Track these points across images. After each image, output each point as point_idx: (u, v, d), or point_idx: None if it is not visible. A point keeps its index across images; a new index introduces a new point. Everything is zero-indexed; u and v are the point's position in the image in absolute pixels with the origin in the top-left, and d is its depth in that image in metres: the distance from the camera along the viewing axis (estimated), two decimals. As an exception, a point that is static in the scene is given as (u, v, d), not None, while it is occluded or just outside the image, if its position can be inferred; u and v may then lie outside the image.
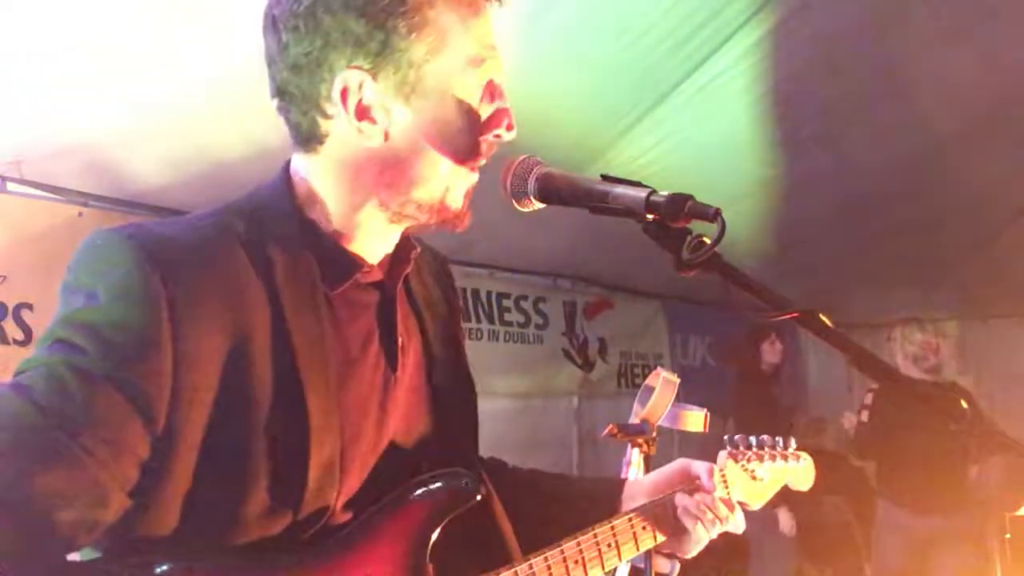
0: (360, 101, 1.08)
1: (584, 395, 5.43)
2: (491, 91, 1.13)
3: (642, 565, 1.50)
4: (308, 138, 1.13)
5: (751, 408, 5.32)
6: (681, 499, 1.44)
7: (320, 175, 1.14)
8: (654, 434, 1.74)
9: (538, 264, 5.12)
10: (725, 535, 1.49)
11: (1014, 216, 4.83)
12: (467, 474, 1.16)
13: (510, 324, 5.00)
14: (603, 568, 1.31)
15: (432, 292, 1.33)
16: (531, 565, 1.22)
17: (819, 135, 3.75)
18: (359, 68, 1.06)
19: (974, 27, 3.09)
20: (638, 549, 1.38)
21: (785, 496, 1.73)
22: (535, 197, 1.20)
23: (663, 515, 1.42)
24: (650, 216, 1.07)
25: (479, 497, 1.15)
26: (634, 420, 1.75)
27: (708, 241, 1.05)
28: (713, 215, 1.02)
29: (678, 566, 1.53)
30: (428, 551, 1.11)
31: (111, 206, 3.21)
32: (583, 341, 5.48)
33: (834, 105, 3.56)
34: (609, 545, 1.32)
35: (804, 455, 1.73)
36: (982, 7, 3.02)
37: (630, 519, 1.37)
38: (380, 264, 1.20)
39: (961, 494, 4.29)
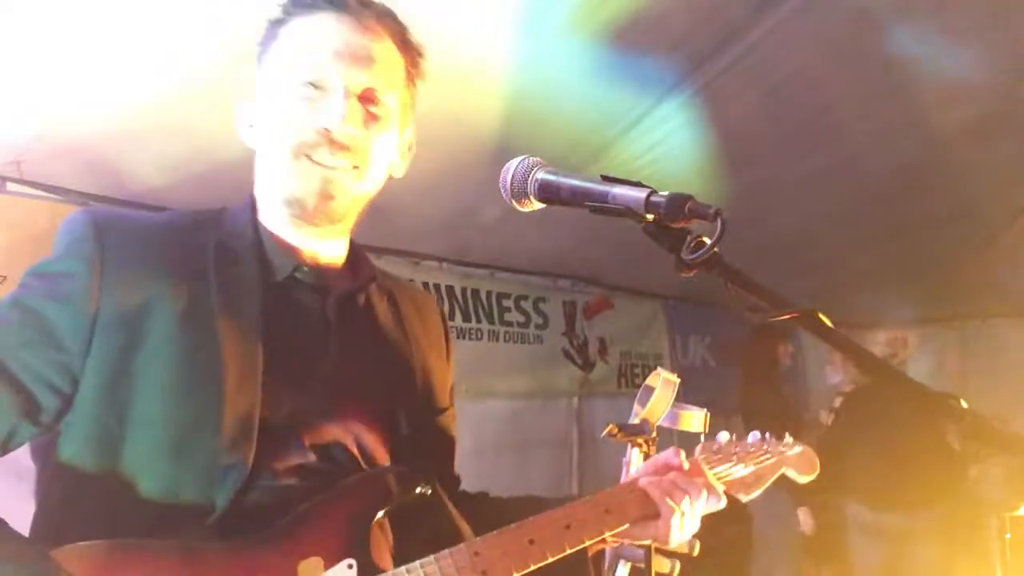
0: None
1: (584, 395, 5.42)
2: None
3: (642, 565, 1.49)
4: None
5: (765, 409, 5.30)
6: (646, 480, 1.43)
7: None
8: (654, 434, 1.74)
9: (538, 264, 5.11)
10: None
11: (1014, 216, 4.83)
12: (404, 469, 1.26)
13: (510, 324, 4.99)
14: (565, 550, 1.27)
15: (407, 322, 1.47)
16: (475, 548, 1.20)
17: (819, 135, 3.74)
18: None
19: (975, 26, 3.08)
20: (602, 533, 1.34)
21: (803, 496, 1.73)
22: (535, 197, 1.20)
23: (628, 499, 1.39)
24: (650, 216, 1.07)
25: (419, 490, 1.23)
26: (634, 420, 1.75)
27: (708, 241, 1.04)
28: (713, 215, 1.01)
29: (679, 565, 1.53)
30: (368, 533, 1.17)
31: (111, 206, 3.21)
32: (583, 341, 5.47)
33: (834, 105, 3.55)
34: (568, 527, 1.29)
35: (798, 444, 1.73)
36: (984, 6, 3.02)
37: (587, 501, 1.35)
38: (336, 270, 1.40)
39: (929, 489, 4.34)
